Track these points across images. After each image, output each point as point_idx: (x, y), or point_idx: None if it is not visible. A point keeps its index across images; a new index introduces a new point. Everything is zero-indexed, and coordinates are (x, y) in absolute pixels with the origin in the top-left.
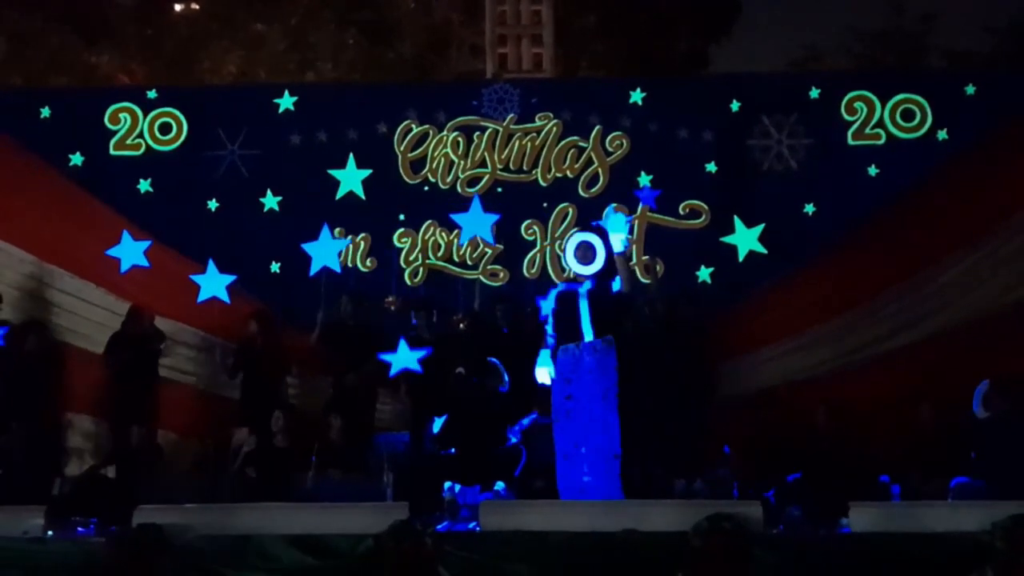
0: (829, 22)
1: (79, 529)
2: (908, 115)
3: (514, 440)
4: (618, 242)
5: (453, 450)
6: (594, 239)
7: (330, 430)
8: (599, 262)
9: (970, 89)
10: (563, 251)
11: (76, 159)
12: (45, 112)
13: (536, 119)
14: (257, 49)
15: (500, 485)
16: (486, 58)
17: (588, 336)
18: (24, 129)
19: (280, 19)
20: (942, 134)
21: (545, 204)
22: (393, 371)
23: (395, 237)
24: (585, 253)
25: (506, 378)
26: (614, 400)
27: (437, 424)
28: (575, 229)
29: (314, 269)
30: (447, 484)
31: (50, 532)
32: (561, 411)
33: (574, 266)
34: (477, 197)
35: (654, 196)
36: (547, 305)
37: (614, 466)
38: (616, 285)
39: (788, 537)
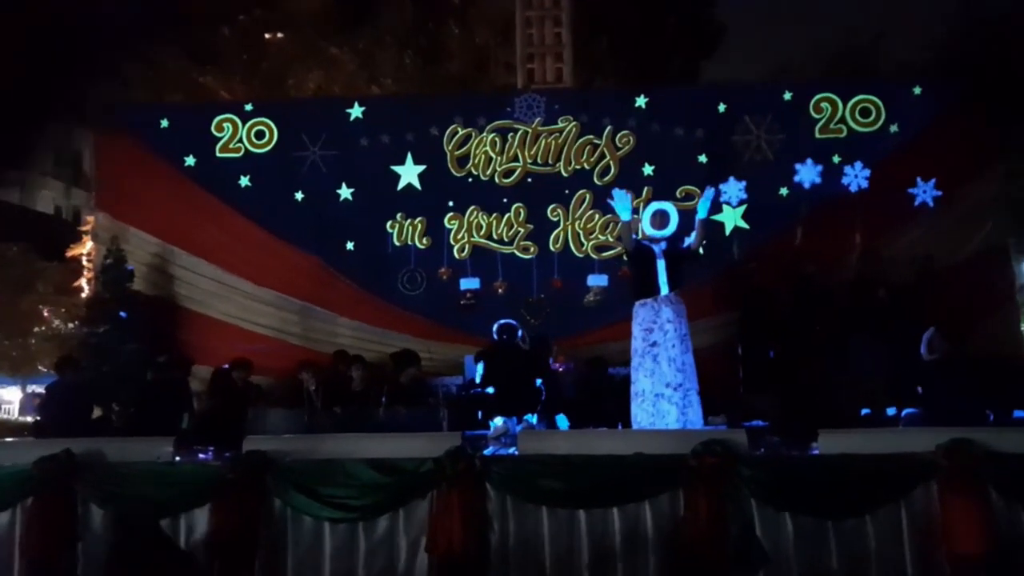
0: (798, 40)
1: (200, 455)
2: (865, 112)
3: (538, 383)
4: (625, 213)
5: (492, 390)
6: (668, 207)
7: (399, 376)
8: (672, 226)
9: (917, 90)
10: (639, 218)
11: (189, 160)
12: (164, 123)
13: (559, 121)
14: (333, 69)
15: (531, 417)
16: (517, 73)
17: (664, 290)
18: (148, 137)
19: (351, 45)
20: (894, 127)
21: (567, 191)
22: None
23: (445, 220)
24: (661, 220)
25: (526, 338)
26: (689, 343)
27: (479, 370)
28: (652, 201)
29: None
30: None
31: (177, 457)
32: (648, 356)
33: (649, 231)
34: None
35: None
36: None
37: (697, 400)
38: (688, 241)
39: (768, 458)
